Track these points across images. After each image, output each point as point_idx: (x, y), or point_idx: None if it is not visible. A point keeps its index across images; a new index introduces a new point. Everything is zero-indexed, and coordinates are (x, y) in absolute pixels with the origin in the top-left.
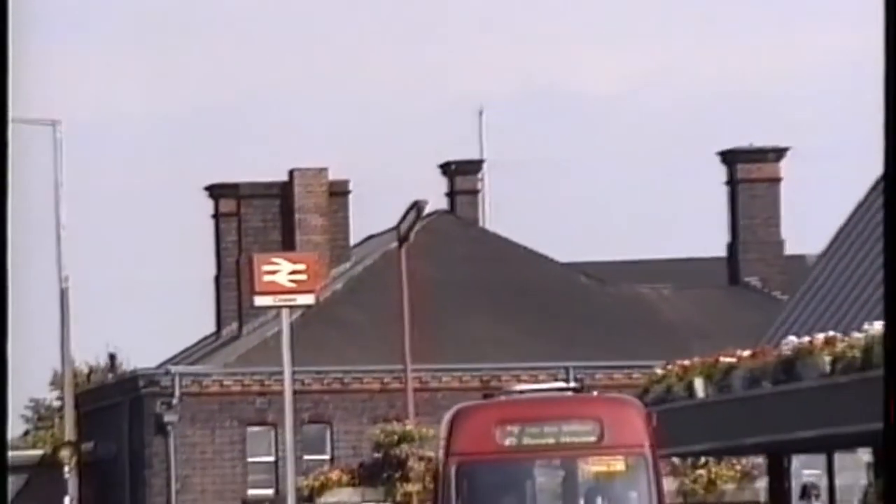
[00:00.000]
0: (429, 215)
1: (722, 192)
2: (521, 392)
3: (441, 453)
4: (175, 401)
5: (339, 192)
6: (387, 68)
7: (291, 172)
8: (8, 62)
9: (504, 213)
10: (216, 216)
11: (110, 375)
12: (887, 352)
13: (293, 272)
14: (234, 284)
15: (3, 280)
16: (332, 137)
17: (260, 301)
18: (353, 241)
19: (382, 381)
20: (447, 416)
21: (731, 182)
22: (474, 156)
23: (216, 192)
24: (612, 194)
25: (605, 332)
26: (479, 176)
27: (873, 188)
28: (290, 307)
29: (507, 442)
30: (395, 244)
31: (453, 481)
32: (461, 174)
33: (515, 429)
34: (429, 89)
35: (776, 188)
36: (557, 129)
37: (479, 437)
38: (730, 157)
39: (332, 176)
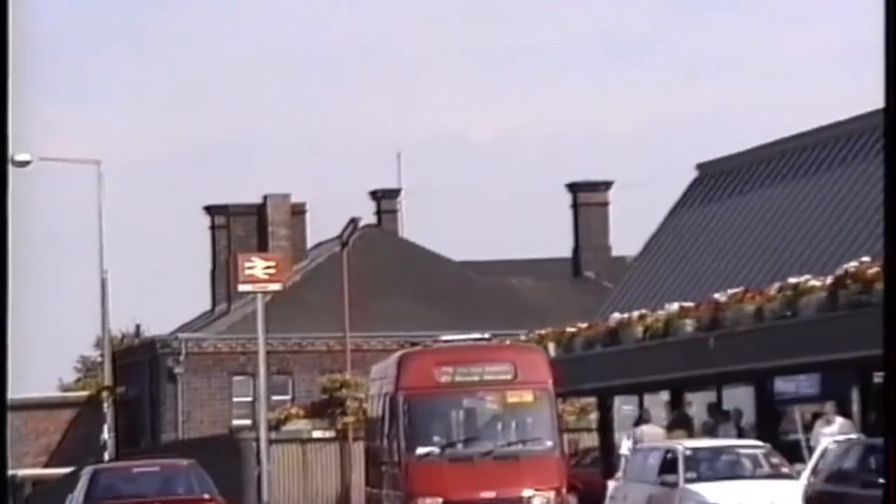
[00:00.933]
0: (362, 228)
1: (568, 212)
2: (449, 342)
3: (391, 388)
4: (182, 358)
5: (298, 211)
6: (334, 122)
7: (265, 197)
8: (8, 103)
9: (416, 226)
10: (212, 227)
11: (136, 340)
12: (886, 348)
13: (266, 267)
14: (224, 276)
15: (4, 286)
16: (294, 172)
17: (242, 287)
18: (308, 245)
19: (328, 344)
20: (393, 360)
21: (575, 205)
22: (394, 185)
23: (212, 210)
24: (491, 212)
25: (486, 310)
26: (398, 200)
27: (672, 211)
28: (264, 292)
29: (443, 379)
30: (338, 248)
31: (401, 408)
32: (385, 198)
33: (450, 369)
34: (362, 137)
35: (606, 209)
36: (454, 165)
37: (422, 375)
38: (574, 188)
39: (294, 199)
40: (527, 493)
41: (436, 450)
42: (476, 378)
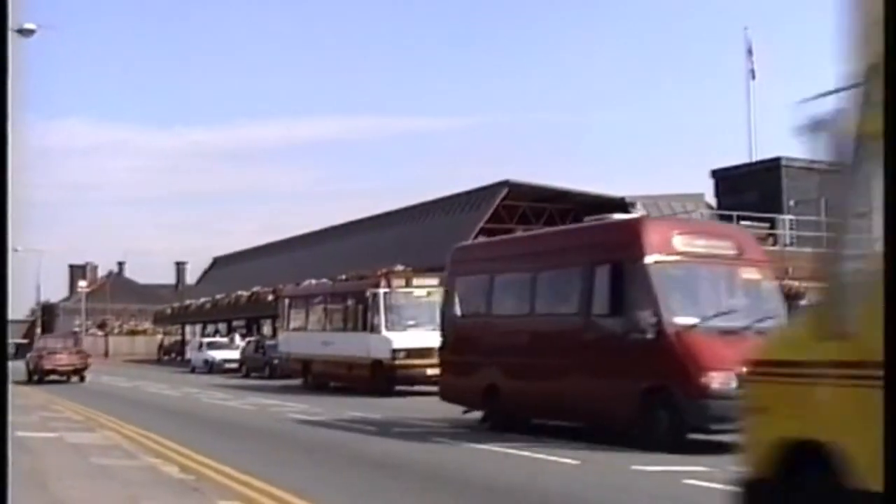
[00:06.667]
0: (115, 273)
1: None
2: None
3: (629, 254)
4: (61, 310)
5: (94, 267)
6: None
7: (86, 263)
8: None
9: (133, 273)
10: (70, 271)
11: (50, 303)
12: (888, 352)
13: (87, 284)
14: (73, 286)
15: (4, 288)
16: (99, 254)
17: (79, 290)
18: (98, 277)
19: (106, 309)
20: (624, 225)
21: (178, 267)
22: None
23: (71, 266)
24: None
25: (154, 303)
26: (125, 265)
27: (210, 266)
28: (87, 292)
29: (687, 249)
30: (107, 278)
31: (652, 277)
32: (121, 264)
33: (692, 239)
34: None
35: (184, 270)
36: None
37: (668, 243)
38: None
39: (94, 265)
40: None
41: (698, 321)
42: (712, 251)
